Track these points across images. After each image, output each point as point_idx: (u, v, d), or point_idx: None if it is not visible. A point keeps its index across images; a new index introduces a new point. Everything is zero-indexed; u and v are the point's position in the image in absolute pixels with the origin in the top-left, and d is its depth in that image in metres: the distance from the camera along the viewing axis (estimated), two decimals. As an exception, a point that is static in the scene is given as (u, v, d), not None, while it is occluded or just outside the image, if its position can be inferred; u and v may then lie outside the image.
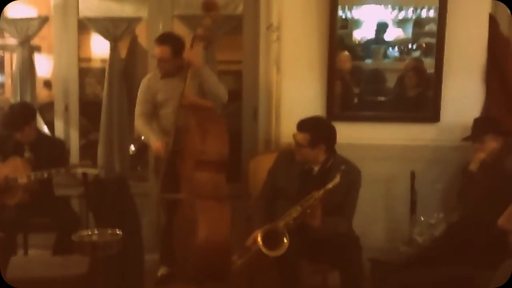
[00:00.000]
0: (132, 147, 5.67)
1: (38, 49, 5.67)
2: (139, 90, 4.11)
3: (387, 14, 4.19)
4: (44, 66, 5.99)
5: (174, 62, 3.92)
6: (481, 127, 3.73)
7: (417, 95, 4.22)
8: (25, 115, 4.01)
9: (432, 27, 4.04)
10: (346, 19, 4.24)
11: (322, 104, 4.09)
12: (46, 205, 3.92)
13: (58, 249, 3.82)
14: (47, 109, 5.35)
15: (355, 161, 3.47)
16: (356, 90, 4.33)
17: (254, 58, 4.53)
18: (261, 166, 3.87)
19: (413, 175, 3.81)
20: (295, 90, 4.12)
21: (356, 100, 4.31)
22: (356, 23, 4.25)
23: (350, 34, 4.27)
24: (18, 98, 4.76)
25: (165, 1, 4.66)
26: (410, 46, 4.25)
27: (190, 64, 3.83)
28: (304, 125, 3.39)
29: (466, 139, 3.78)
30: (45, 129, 5.22)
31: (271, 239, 3.11)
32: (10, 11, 5.64)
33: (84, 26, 4.84)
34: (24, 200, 3.87)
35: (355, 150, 3.76)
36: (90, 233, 2.91)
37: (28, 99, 4.75)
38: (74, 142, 4.77)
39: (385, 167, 3.99)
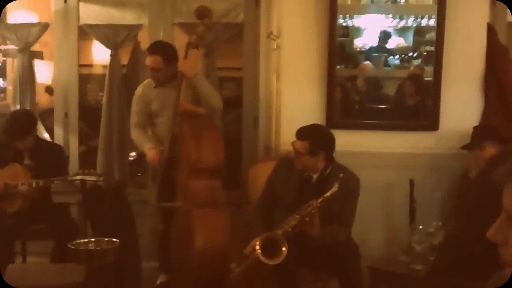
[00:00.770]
0: (133, 153, 5.66)
1: (40, 55, 5.68)
2: (133, 100, 4.11)
3: (388, 22, 4.19)
4: (46, 71, 6.00)
5: (167, 71, 3.90)
6: (480, 135, 3.72)
7: (416, 104, 4.21)
8: (27, 123, 3.99)
9: (432, 35, 4.04)
10: (347, 27, 4.25)
11: (322, 111, 4.07)
12: (45, 213, 3.90)
13: (56, 256, 3.80)
14: (48, 115, 5.35)
15: (354, 169, 3.46)
16: (356, 98, 4.32)
17: (254, 66, 4.54)
18: (261, 174, 3.86)
19: (412, 183, 3.80)
20: (295, 98, 4.11)
21: (356, 108, 4.30)
22: (357, 31, 4.25)
23: (351, 42, 4.28)
24: (18, 105, 4.76)
25: (165, 9, 4.67)
26: (410, 54, 4.25)
27: (183, 74, 3.81)
28: (303, 133, 3.39)
29: (465, 147, 3.78)
30: (46, 135, 5.22)
31: (270, 247, 3.10)
32: (11, 17, 5.67)
33: (86, 32, 4.85)
34: (23, 207, 3.85)
35: (354, 157, 3.75)
36: (86, 241, 2.90)
37: (28, 105, 4.75)
38: (74, 149, 4.77)
39: (384, 175, 3.98)
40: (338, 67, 4.12)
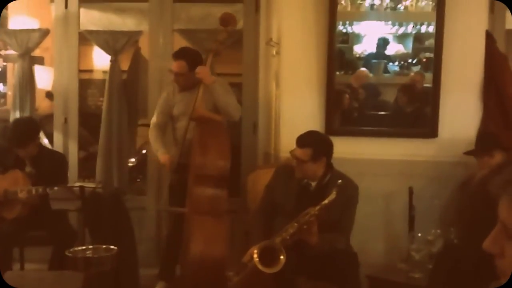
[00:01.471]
0: (133, 159, 5.67)
1: (40, 60, 5.69)
2: (159, 101, 4.17)
3: (387, 29, 4.19)
4: (46, 77, 6.00)
5: (191, 76, 3.91)
6: (489, 141, 3.72)
7: (414, 111, 4.21)
8: (29, 132, 3.98)
9: (432, 42, 4.04)
10: (347, 34, 4.24)
11: (321, 118, 4.07)
12: (43, 219, 3.89)
13: (54, 263, 3.80)
14: (48, 121, 5.35)
15: (353, 176, 3.46)
16: (356, 104, 4.32)
17: (253, 72, 4.55)
18: (260, 181, 3.85)
19: (411, 191, 3.79)
20: (295, 104, 4.11)
21: (355, 115, 4.30)
22: (356, 38, 4.25)
23: (351, 49, 4.27)
24: (18, 111, 4.76)
25: (165, 15, 4.68)
26: (410, 60, 4.25)
27: (201, 80, 3.83)
28: (305, 140, 3.39)
29: (471, 153, 3.76)
30: (45, 141, 5.22)
31: (268, 256, 3.09)
32: (12, 22, 5.68)
33: (86, 38, 4.86)
34: (22, 214, 3.85)
35: (353, 165, 3.75)
36: (84, 248, 2.89)
37: (27, 111, 4.76)
38: (73, 155, 4.77)
39: (383, 182, 3.97)
40: (337, 73, 4.12)
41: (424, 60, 4.21)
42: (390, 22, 4.18)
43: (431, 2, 4.01)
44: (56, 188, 3.72)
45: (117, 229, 3.57)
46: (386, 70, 4.27)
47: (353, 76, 4.23)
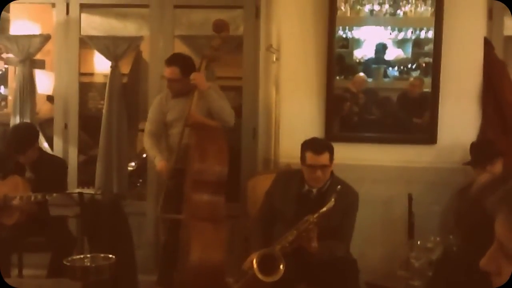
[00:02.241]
0: (132, 164, 5.67)
1: (41, 63, 5.69)
2: (151, 108, 4.16)
3: (387, 34, 4.19)
4: (47, 82, 6.01)
5: (184, 82, 3.92)
6: (484, 152, 3.70)
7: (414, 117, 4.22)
8: (29, 138, 3.98)
9: (431, 47, 4.04)
10: (346, 39, 4.24)
11: (321, 124, 4.07)
12: (42, 225, 3.90)
13: (53, 269, 3.79)
14: (48, 125, 5.35)
15: (352, 182, 3.46)
16: (356, 109, 4.32)
17: (254, 78, 4.55)
18: (259, 186, 3.85)
19: (410, 198, 3.78)
20: (294, 110, 4.11)
21: (355, 119, 4.29)
22: (356, 43, 4.25)
23: (351, 53, 4.27)
24: (18, 115, 4.76)
25: (166, 20, 4.68)
26: (409, 65, 4.25)
27: (196, 86, 3.83)
28: (323, 145, 3.38)
29: (468, 163, 3.76)
30: (45, 145, 5.22)
31: (268, 264, 3.09)
32: (13, 27, 5.69)
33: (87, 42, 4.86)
34: (20, 220, 3.85)
35: (352, 171, 3.75)
36: (82, 257, 2.89)
37: (28, 115, 4.76)
38: (73, 160, 4.77)
39: (382, 188, 3.96)
40: (337, 78, 4.12)
41: (424, 65, 4.21)
42: (389, 28, 4.18)
43: (430, 8, 4.01)
44: (55, 194, 3.72)
45: (116, 236, 3.56)
46: (385, 75, 4.27)
47: (351, 81, 4.23)
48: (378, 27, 4.17)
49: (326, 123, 4.07)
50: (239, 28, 4.76)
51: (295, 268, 3.18)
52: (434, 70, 3.98)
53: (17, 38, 4.85)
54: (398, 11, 4.08)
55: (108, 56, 4.75)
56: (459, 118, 4.01)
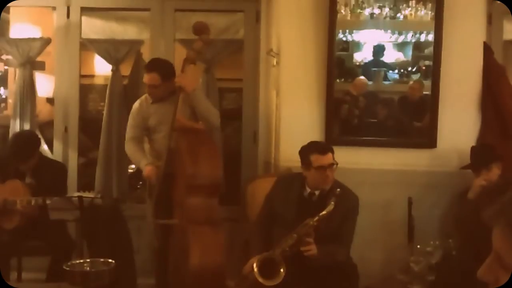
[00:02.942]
0: (133, 166, 5.66)
1: (41, 65, 5.69)
2: (130, 114, 4.10)
3: (387, 37, 4.19)
4: (47, 85, 6.01)
5: (165, 87, 3.90)
6: (482, 156, 3.70)
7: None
8: (30, 147, 3.97)
9: (431, 50, 4.05)
10: (347, 42, 4.25)
11: (321, 128, 4.07)
12: (41, 229, 3.89)
13: (52, 273, 3.79)
14: (49, 127, 5.35)
15: (352, 186, 3.46)
16: (356, 112, 4.31)
17: (254, 81, 4.55)
18: (260, 190, 3.85)
19: (410, 202, 3.78)
20: (295, 114, 4.11)
21: (355, 123, 4.29)
22: (357, 46, 4.26)
23: (351, 56, 4.27)
24: (18, 118, 4.75)
25: (167, 24, 4.68)
26: (410, 68, 4.25)
27: (181, 89, 3.81)
28: (328, 146, 3.44)
29: (466, 167, 3.76)
30: (45, 147, 5.21)
31: (268, 268, 3.09)
32: (14, 30, 5.68)
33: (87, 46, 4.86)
34: (21, 224, 3.84)
35: (352, 174, 3.75)
36: (81, 262, 2.88)
37: (28, 118, 4.75)
38: (73, 164, 4.76)
39: (382, 192, 3.96)
40: (337, 81, 4.12)
41: (424, 67, 4.21)
42: (389, 31, 4.18)
43: (430, 12, 4.01)
44: (55, 198, 3.71)
45: (115, 241, 3.56)
46: (386, 78, 4.27)
47: (352, 84, 4.23)
48: (378, 30, 4.18)
49: (326, 127, 4.07)
50: (240, 31, 4.76)
51: (295, 272, 3.18)
52: (434, 73, 3.98)
53: (17, 41, 4.84)
54: (398, 15, 4.08)
55: (108, 60, 4.75)
56: (459, 122, 4.01)
